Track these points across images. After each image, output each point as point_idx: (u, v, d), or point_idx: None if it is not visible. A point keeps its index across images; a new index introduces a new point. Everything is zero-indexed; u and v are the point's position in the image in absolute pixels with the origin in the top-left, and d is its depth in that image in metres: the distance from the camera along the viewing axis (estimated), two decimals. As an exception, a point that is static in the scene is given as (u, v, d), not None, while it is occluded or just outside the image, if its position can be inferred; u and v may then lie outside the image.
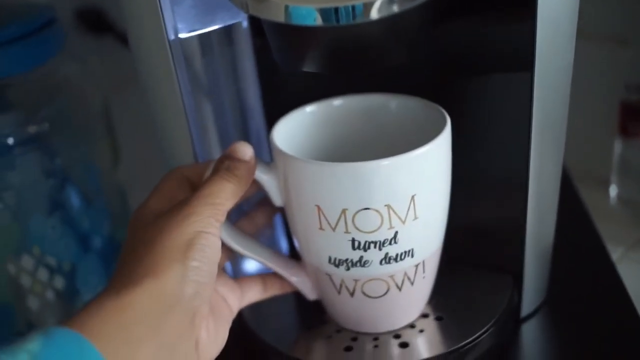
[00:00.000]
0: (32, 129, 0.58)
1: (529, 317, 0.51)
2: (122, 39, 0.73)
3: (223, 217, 0.40)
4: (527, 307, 0.50)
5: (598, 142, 0.69)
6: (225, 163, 0.41)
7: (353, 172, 0.41)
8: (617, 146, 0.67)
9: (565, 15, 0.41)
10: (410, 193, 0.42)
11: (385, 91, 0.49)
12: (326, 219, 0.42)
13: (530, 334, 0.50)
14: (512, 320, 0.50)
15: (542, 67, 0.42)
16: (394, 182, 0.41)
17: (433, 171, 0.43)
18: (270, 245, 0.52)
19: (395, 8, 0.38)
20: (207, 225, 0.38)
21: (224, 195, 0.40)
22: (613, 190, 0.69)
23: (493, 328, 0.47)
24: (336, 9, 0.37)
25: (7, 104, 0.58)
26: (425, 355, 0.45)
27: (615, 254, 0.59)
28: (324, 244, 0.44)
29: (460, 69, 0.50)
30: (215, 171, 0.41)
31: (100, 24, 0.74)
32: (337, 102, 0.49)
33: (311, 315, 0.50)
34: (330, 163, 0.41)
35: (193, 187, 0.42)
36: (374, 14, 0.37)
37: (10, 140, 0.57)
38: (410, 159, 0.41)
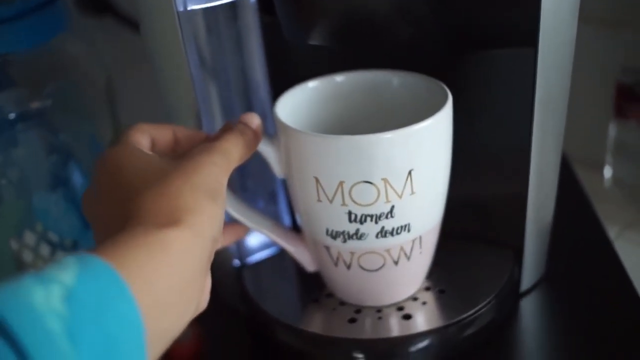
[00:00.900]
0: (35, 105, 0.58)
1: (528, 291, 0.51)
2: (123, 19, 0.74)
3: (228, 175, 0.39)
4: (526, 281, 0.51)
5: (594, 124, 0.70)
6: (239, 125, 0.42)
7: (350, 145, 0.41)
8: (612, 128, 0.68)
9: None
10: (407, 168, 0.42)
11: (390, 67, 0.49)
12: (324, 191, 0.43)
13: (529, 309, 0.51)
14: (512, 295, 0.50)
15: (546, 42, 0.43)
16: (390, 156, 0.42)
17: (431, 147, 0.43)
18: (273, 216, 0.52)
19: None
20: (223, 179, 0.38)
21: (237, 153, 0.40)
22: (608, 172, 0.69)
23: (493, 302, 0.48)
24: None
25: (10, 81, 0.58)
26: (428, 327, 0.46)
27: (611, 233, 0.60)
28: (322, 216, 0.45)
29: (464, 45, 0.50)
30: (228, 131, 0.41)
31: (100, 5, 0.74)
32: (339, 77, 0.49)
33: (316, 289, 0.50)
34: (327, 135, 0.42)
35: (153, 145, 0.41)
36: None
37: (13, 116, 0.57)
38: (408, 133, 0.41)
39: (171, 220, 0.33)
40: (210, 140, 0.41)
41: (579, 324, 0.49)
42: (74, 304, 0.27)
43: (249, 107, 0.51)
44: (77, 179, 0.60)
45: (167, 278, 0.31)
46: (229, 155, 0.39)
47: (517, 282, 0.51)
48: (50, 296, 0.26)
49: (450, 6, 0.45)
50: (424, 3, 0.43)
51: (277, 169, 0.46)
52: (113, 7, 0.74)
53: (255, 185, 0.53)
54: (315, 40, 0.42)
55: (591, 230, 0.58)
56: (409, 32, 0.45)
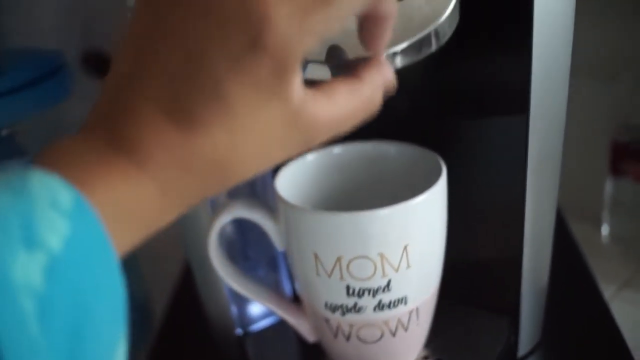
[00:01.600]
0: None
1: (525, 357, 0.52)
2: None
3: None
4: (523, 347, 0.52)
5: (590, 180, 0.71)
6: None
7: (347, 222, 0.42)
8: (608, 184, 0.69)
9: (560, 55, 0.43)
10: (403, 243, 0.43)
11: (383, 133, 0.50)
12: (322, 266, 0.44)
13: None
14: (509, 361, 0.51)
15: (537, 108, 0.44)
16: (386, 231, 0.43)
17: (426, 221, 0.44)
18: (274, 284, 0.53)
19: (399, 63, 0.40)
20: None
21: None
22: (605, 228, 0.70)
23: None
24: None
25: (20, 151, 0.60)
26: (426, 396, 0.47)
27: (608, 291, 0.61)
28: (320, 289, 0.46)
29: (457, 111, 0.52)
30: None
31: (105, 67, 0.75)
32: (337, 149, 0.51)
33: (317, 358, 0.51)
34: (325, 212, 0.43)
35: None
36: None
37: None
38: (403, 209, 0.43)
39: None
40: None
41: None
42: (53, 278, 0.24)
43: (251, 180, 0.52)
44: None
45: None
46: None
47: (514, 348, 0.51)
48: (30, 267, 0.24)
49: (442, 75, 0.47)
50: (416, 73, 0.45)
51: (278, 242, 0.47)
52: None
53: (256, 253, 0.54)
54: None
55: (587, 291, 0.59)
56: (403, 102, 0.46)
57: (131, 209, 0.29)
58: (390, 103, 0.45)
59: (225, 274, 0.48)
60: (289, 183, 0.48)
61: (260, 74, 0.28)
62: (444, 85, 0.49)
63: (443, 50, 0.45)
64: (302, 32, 0.28)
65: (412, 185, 0.45)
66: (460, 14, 0.41)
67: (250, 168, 0.31)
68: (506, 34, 0.46)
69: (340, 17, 0.29)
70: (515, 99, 0.45)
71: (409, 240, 0.43)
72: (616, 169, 0.68)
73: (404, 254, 0.44)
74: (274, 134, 0.30)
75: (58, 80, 0.61)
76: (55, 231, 0.25)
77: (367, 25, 0.34)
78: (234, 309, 0.52)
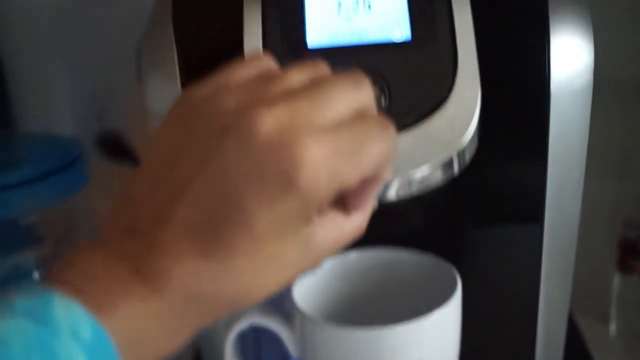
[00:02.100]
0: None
1: None
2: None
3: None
4: None
5: (598, 277, 0.71)
6: None
7: (362, 338, 0.43)
8: (617, 281, 0.69)
9: (575, 161, 0.45)
10: (417, 356, 0.44)
11: (396, 240, 0.51)
12: None
13: None
14: None
15: (552, 214, 0.45)
16: (401, 347, 0.43)
17: (441, 336, 0.45)
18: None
19: (414, 189, 0.41)
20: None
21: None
22: (613, 325, 0.70)
23: None
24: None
25: (38, 238, 0.60)
26: None
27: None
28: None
29: (471, 221, 0.53)
30: None
31: (119, 150, 0.76)
32: (353, 255, 0.52)
33: None
34: (341, 328, 0.43)
35: None
36: (391, 196, 0.41)
37: (37, 275, 0.58)
38: (418, 325, 0.43)
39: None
40: None
41: None
42: None
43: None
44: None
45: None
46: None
47: None
48: None
49: (457, 186, 0.48)
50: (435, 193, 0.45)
51: (293, 349, 0.47)
52: (131, 152, 0.77)
53: (269, 357, 0.54)
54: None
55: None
56: (420, 220, 0.47)
57: (147, 336, 0.29)
58: (405, 211, 0.46)
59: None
60: (306, 290, 0.49)
61: (290, 212, 0.30)
62: (458, 198, 0.50)
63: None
64: (331, 178, 0.29)
65: (427, 295, 0.45)
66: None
67: (267, 291, 0.32)
68: (521, 140, 0.46)
69: (365, 168, 0.31)
70: (530, 206, 0.45)
71: (424, 355, 0.44)
72: (624, 266, 0.69)
73: None
74: (291, 259, 0.31)
75: (77, 169, 0.62)
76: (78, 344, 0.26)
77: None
78: None
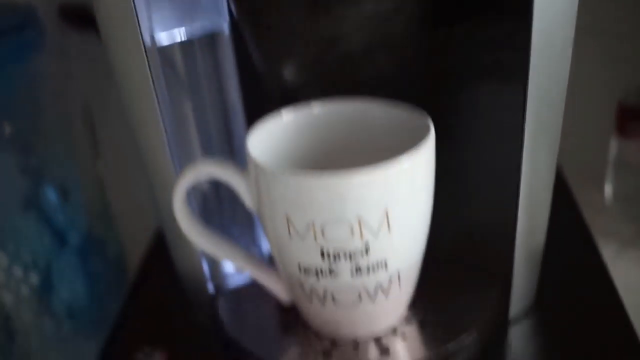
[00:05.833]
0: (7, 129, 0.56)
1: (517, 320, 0.49)
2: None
3: None
4: (514, 310, 0.49)
5: (594, 141, 0.68)
6: None
7: (321, 185, 0.38)
8: (613, 146, 0.66)
9: (563, 19, 0.39)
10: (383, 206, 0.39)
11: (369, 94, 0.46)
12: (295, 228, 0.41)
13: (517, 338, 0.48)
14: (499, 324, 0.48)
15: (536, 75, 0.40)
16: (365, 195, 0.39)
17: (409, 185, 0.40)
18: (250, 242, 0.50)
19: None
20: None
21: None
22: (608, 189, 0.67)
23: (477, 332, 0.45)
24: None
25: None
26: (407, 360, 0.44)
27: (609, 251, 0.58)
28: (294, 252, 0.42)
29: (451, 75, 0.48)
30: None
31: (83, 20, 0.72)
32: (316, 107, 0.47)
33: (292, 319, 0.48)
34: (298, 175, 0.39)
35: None
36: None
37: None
38: (383, 172, 0.38)
39: None
40: None
41: (569, 354, 0.46)
42: None
43: (228, 134, 0.49)
44: (50, 198, 0.58)
45: None
46: None
47: (505, 310, 0.48)
48: None
49: (436, 37, 0.43)
50: (409, 35, 0.41)
51: (248, 202, 0.44)
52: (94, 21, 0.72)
53: (231, 210, 0.51)
54: (288, 75, 0.40)
55: (586, 253, 0.55)
56: (392, 65, 0.42)
57: None
58: (381, 67, 0.42)
59: (193, 234, 0.45)
60: (264, 142, 0.44)
61: None
62: (437, 44, 0.45)
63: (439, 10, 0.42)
64: None
65: (399, 148, 0.41)
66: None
67: None
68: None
69: None
70: (515, 58, 0.41)
71: (390, 204, 0.39)
72: (622, 131, 0.65)
73: (385, 217, 0.40)
74: None
75: (27, 35, 0.58)
76: None
77: None
78: (205, 266, 0.48)
